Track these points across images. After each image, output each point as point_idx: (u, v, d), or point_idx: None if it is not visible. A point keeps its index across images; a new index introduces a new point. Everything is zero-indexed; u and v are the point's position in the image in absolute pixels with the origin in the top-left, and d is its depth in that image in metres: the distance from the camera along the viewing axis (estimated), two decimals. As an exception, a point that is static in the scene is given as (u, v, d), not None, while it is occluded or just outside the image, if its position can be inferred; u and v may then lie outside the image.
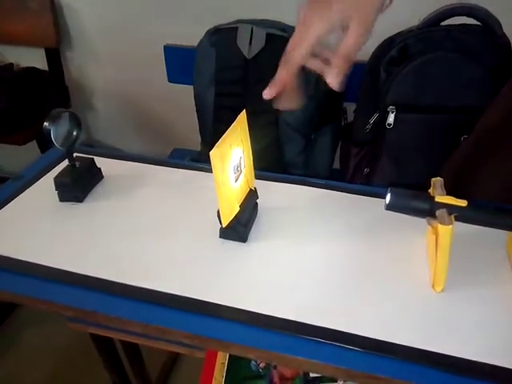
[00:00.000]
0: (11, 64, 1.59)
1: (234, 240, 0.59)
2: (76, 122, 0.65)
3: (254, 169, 0.63)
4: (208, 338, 0.48)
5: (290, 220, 0.64)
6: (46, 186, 0.69)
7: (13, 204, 0.67)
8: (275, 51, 1.02)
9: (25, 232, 0.61)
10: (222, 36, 1.05)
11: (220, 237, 0.60)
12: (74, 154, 0.67)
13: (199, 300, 0.50)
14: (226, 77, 1.06)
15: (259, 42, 1.00)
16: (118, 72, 1.60)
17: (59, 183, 0.65)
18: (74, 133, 0.65)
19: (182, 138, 1.62)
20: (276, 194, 0.69)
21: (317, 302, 0.50)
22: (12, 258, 0.57)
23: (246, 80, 1.05)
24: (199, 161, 0.82)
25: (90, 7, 1.48)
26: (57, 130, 0.61)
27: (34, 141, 1.48)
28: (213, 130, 1.14)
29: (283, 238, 0.60)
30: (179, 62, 1.29)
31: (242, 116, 0.58)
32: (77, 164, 0.67)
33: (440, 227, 0.47)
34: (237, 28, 1.02)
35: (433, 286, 0.51)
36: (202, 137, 1.21)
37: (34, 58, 1.53)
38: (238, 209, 0.57)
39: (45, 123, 0.60)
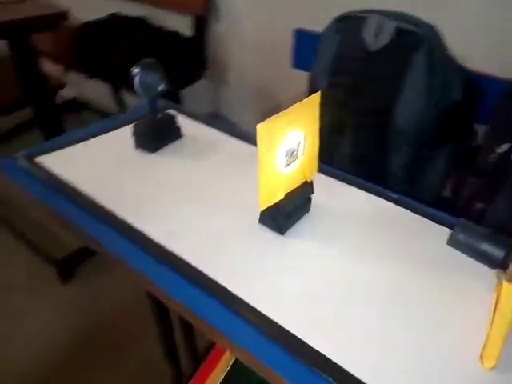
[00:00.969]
0: (160, 27, 1.75)
1: (271, 229, 0.55)
2: (162, 73, 0.66)
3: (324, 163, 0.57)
4: (220, 333, 0.44)
5: (343, 228, 0.56)
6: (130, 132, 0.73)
7: (97, 139, 0.73)
8: (403, 47, 0.91)
9: (94, 167, 0.66)
10: (349, 24, 0.97)
11: (259, 221, 0.56)
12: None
13: (221, 286, 0.47)
14: (343, 67, 0.99)
15: (386, 35, 0.90)
16: (249, 51, 1.64)
17: (135, 130, 0.68)
18: (160, 86, 0.67)
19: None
20: (338, 195, 0.61)
21: (340, 332, 0.43)
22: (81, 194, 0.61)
23: (363, 74, 0.96)
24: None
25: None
26: (141, 78, 0.63)
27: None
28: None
29: (327, 244, 0.53)
30: (306, 48, 1.25)
31: (316, 98, 0.52)
32: (158, 116, 0.69)
33: (505, 285, 0.35)
34: (365, 17, 0.93)
35: (481, 359, 0.39)
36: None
37: (182, 24, 1.65)
38: (281, 196, 0.52)
39: (132, 69, 0.62)
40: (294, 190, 0.54)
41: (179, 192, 0.61)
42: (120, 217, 0.56)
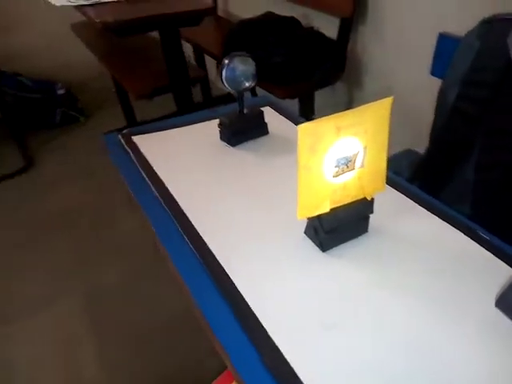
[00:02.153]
0: (311, 27, 1.75)
1: (313, 242, 0.49)
2: (253, 69, 0.66)
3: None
4: (229, 357, 0.39)
5: (402, 259, 0.47)
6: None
7: (190, 128, 0.77)
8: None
9: (175, 153, 0.70)
10: (494, 28, 0.81)
11: (304, 232, 0.51)
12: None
13: (243, 299, 0.44)
14: (479, 77, 0.83)
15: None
16: (389, 55, 1.52)
17: (221, 122, 0.70)
18: (248, 81, 0.67)
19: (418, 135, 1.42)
20: (409, 219, 0.52)
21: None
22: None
23: (502, 88, 0.79)
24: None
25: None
26: (229, 71, 0.64)
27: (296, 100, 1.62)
28: (440, 135, 0.94)
29: (377, 275, 0.46)
30: (450, 54, 1.09)
31: (386, 104, 0.44)
32: (245, 111, 0.70)
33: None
34: (516, 19, 0.76)
35: None
36: (430, 139, 1.02)
37: (329, 25, 1.63)
38: (326, 209, 0.46)
39: (223, 60, 0.64)
40: (346, 205, 0.48)
41: (239, 190, 0.61)
42: (184, 213, 0.56)
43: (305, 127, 0.40)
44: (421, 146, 1.15)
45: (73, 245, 1.77)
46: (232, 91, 0.67)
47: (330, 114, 0.39)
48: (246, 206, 0.57)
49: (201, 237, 0.52)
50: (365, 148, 0.45)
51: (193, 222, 0.54)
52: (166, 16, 1.14)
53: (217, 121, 0.78)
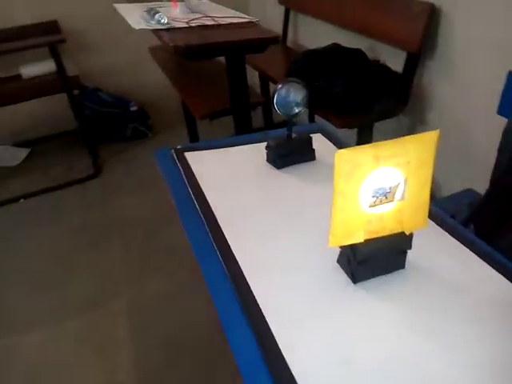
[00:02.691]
0: (377, 61, 1.75)
1: (345, 271, 0.48)
2: (304, 96, 0.67)
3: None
4: None
5: (439, 304, 0.44)
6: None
7: (240, 148, 0.79)
8: None
9: (223, 171, 0.72)
10: None
11: (337, 261, 0.50)
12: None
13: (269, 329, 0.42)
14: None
15: None
16: (456, 92, 1.46)
17: (268, 144, 0.71)
18: (299, 107, 0.68)
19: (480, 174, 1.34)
20: (453, 262, 0.49)
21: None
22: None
23: None
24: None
25: (474, 20, 1.38)
26: (281, 96, 0.65)
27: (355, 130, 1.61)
28: (502, 178, 0.88)
29: (409, 317, 0.43)
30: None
31: (433, 136, 0.43)
32: (293, 135, 0.70)
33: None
34: None
35: None
36: (490, 180, 0.96)
37: (395, 58, 1.61)
38: (360, 239, 0.45)
39: (276, 85, 0.65)
40: (383, 237, 0.46)
41: (278, 212, 0.61)
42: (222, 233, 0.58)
43: (342, 153, 0.40)
44: (483, 185, 1.08)
45: (125, 251, 1.86)
46: (282, 115, 0.68)
47: None
48: (283, 229, 0.57)
49: (234, 256, 0.53)
50: (406, 180, 0.44)
51: (228, 240, 0.55)
52: (232, 43, 1.20)
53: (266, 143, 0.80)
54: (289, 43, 2.50)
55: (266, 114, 2.47)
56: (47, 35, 2.54)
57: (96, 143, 2.75)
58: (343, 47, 1.76)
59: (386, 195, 0.44)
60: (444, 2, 1.42)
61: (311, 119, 2.27)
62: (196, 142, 2.52)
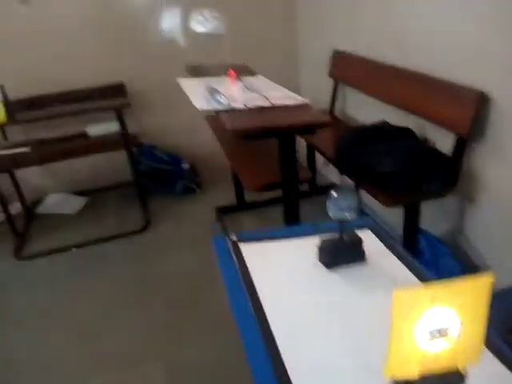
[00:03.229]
0: (426, 139, 1.77)
1: (397, 402, 0.48)
2: (357, 204, 0.70)
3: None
4: None
5: None
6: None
7: (290, 241, 0.82)
8: None
9: (275, 267, 0.75)
10: None
11: (389, 388, 0.50)
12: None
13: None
14: None
15: None
16: (508, 175, 1.44)
17: (320, 245, 0.74)
18: (350, 214, 0.71)
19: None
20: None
21: None
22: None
23: None
24: None
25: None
26: (334, 202, 0.69)
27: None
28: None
29: None
30: None
31: (486, 282, 0.44)
32: (344, 237, 0.73)
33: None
34: None
35: None
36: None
37: (444, 139, 1.63)
38: (414, 374, 0.46)
39: (331, 192, 0.69)
40: (438, 374, 0.46)
41: (326, 314, 0.63)
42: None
43: (400, 295, 0.42)
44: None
45: (168, 311, 1.90)
46: (334, 219, 0.71)
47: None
48: (329, 334, 0.59)
49: (280, 356, 0.54)
50: (461, 320, 0.45)
51: (276, 338, 0.57)
52: (285, 128, 1.28)
53: (317, 237, 0.83)
54: (336, 113, 2.59)
55: (311, 181, 2.53)
56: (115, 97, 2.79)
57: (147, 197, 2.91)
58: (392, 125, 1.80)
59: (441, 333, 0.45)
60: (494, 90, 1.45)
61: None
62: (242, 202, 2.60)
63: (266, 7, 2.96)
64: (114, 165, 2.96)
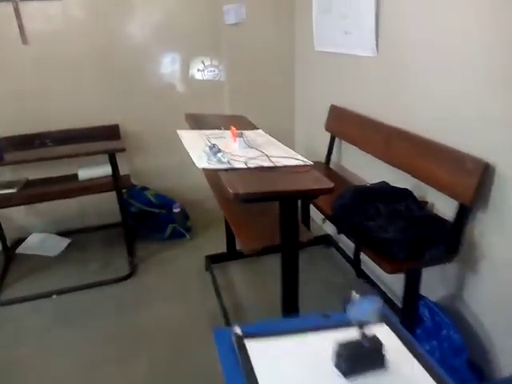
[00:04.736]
0: (426, 202, 1.75)
1: None
2: (379, 309, 0.65)
3: None
4: None
5: None
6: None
7: (301, 337, 0.75)
8: None
9: (286, 369, 0.68)
10: None
11: None
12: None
13: None
14: None
15: None
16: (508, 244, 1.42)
17: (337, 350, 0.67)
18: (371, 319, 0.65)
19: None
20: None
21: None
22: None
23: None
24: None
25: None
26: (356, 305, 0.63)
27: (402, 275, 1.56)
28: None
29: None
30: None
31: None
32: (364, 343, 0.67)
33: None
34: None
35: None
36: None
37: (446, 204, 1.61)
38: None
39: (351, 293, 0.64)
40: None
41: None
42: None
43: None
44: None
45: (152, 369, 1.78)
46: (355, 323, 0.65)
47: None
48: None
49: None
50: None
51: None
52: (288, 192, 1.24)
53: (331, 334, 0.76)
54: (332, 165, 2.58)
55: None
56: (108, 138, 2.75)
57: (135, 240, 2.81)
58: (391, 187, 1.78)
59: None
60: (499, 162, 1.44)
61: (357, 256, 2.24)
62: (233, 251, 2.51)
63: (265, 57, 3.01)
64: (102, 205, 2.88)
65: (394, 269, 1.48)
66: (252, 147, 1.60)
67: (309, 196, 1.27)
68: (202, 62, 2.94)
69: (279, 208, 1.31)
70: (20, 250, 2.80)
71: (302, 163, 1.45)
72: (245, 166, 1.39)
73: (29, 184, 2.42)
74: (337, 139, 2.53)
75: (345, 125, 2.40)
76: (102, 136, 2.78)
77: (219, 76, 3.00)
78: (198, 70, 2.95)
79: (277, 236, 1.36)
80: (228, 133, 1.78)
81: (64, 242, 2.89)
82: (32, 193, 2.32)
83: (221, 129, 1.89)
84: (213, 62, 2.96)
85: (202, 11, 2.83)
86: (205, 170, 1.37)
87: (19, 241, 2.88)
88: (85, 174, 2.40)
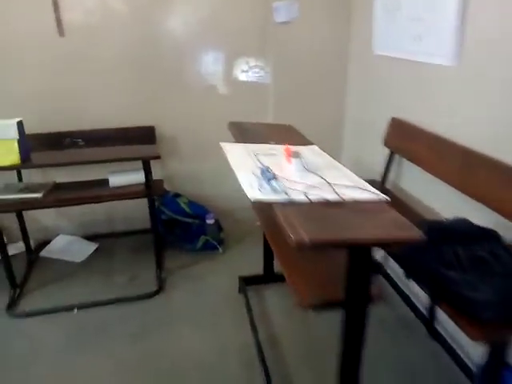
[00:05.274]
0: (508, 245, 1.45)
1: None
2: None
3: None
4: None
5: None
6: None
7: None
8: None
9: None
10: None
11: None
12: None
13: None
14: None
15: None
16: None
17: None
18: None
19: None
20: None
21: None
22: None
23: None
24: None
25: None
26: None
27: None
28: None
29: None
30: None
31: None
32: None
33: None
34: None
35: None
36: None
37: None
38: None
39: None
40: None
41: None
42: None
43: None
44: None
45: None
46: None
47: None
48: None
49: None
50: None
51: None
52: (363, 242, 0.98)
53: None
54: (389, 185, 2.29)
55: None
56: (143, 142, 2.56)
57: (164, 249, 2.61)
58: (473, 225, 1.49)
59: None
60: None
61: (431, 314, 1.88)
62: (271, 273, 2.26)
63: (314, 59, 2.74)
64: (132, 209, 2.70)
65: (483, 337, 1.19)
66: (310, 171, 1.34)
67: (390, 246, 1.01)
68: (247, 63, 2.70)
69: (347, 257, 1.05)
70: (44, 253, 2.66)
71: (374, 197, 1.18)
72: (305, 199, 1.13)
73: (56, 187, 2.25)
74: (397, 158, 2.24)
75: (409, 142, 2.10)
76: (136, 138, 2.61)
77: (264, 78, 2.75)
78: (242, 71, 2.71)
79: (340, 288, 1.10)
80: (279, 148, 1.53)
81: (91, 247, 2.73)
82: (59, 197, 2.15)
83: (270, 143, 1.64)
84: (258, 62, 2.71)
85: (248, 8, 2.59)
86: (257, 202, 1.11)
87: (44, 243, 2.74)
88: (116, 180, 2.20)
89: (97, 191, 2.24)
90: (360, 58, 2.60)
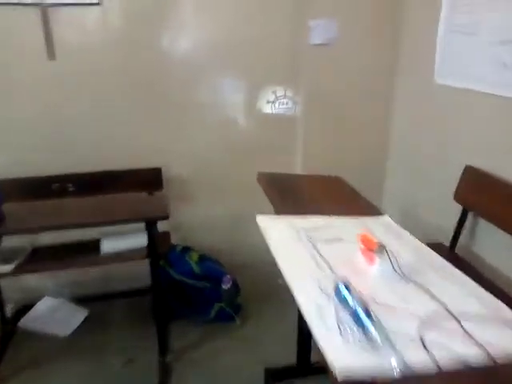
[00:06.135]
0: None
1: None
2: None
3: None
4: None
5: None
6: None
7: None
8: None
9: None
10: None
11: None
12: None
13: None
14: None
15: None
16: None
17: None
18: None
19: None
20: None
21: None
22: None
23: None
24: None
25: None
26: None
27: None
28: None
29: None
30: None
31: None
32: None
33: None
34: None
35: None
36: None
37: None
38: None
39: None
40: None
41: None
42: None
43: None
44: None
45: None
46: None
47: None
48: None
49: None
50: None
51: None
52: None
53: None
54: (459, 250, 1.79)
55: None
56: (147, 186, 2.11)
57: (169, 320, 2.11)
58: None
59: None
60: None
61: None
62: (307, 364, 1.75)
63: (352, 88, 2.29)
64: (132, 266, 2.21)
65: None
66: (407, 277, 0.84)
67: None
68: (274, 92, 2.24)
69: None
70: (23, 322, 2.16)
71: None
72: (433, 367, 0.63)
73: (34, 253, 1.76)
74: (471, 217, 1.75)
75: (489, 197, 1.62)
76: (139, 181, 2.15)
77: (293, 110, 2.29)
78: (268, 102, 2.25)
79: None
80: (342, 225, 1.04)
81: (80, 315, 2.23)
82: (36, 268, 1.66)
83: (328, 215, 1.15)
84: (287, 92, 2.25)
85: (276, 27, 2.15)
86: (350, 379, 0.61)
87: (24, 308, 2.23)
88: (110, 245, 1.71)
89: (85, 258, 1.74)
90: (413, 88, 2.15)
